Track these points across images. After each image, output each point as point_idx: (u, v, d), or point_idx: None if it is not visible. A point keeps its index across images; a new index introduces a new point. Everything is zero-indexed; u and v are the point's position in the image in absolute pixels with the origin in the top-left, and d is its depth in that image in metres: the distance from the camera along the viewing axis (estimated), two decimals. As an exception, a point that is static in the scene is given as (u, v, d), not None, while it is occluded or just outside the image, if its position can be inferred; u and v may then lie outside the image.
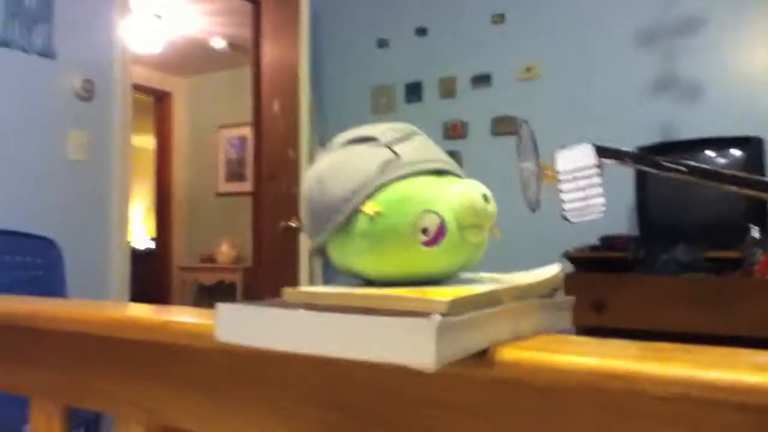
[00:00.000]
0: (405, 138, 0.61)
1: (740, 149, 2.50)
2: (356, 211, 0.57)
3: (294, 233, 3.30)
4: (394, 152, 0.59)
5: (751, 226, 2.21)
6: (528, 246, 2.83)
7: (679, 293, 2.10)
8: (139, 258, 5.42)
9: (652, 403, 0.45)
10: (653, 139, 2.85)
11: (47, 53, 2.69)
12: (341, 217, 0.57)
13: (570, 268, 2.62)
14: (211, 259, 5.84)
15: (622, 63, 3.15)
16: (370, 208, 0.55)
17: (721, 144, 2.55)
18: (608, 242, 2.62)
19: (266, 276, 3.38)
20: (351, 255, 0.58)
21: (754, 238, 2.16)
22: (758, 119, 2.76)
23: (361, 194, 0.57)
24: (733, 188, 0.46)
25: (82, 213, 2.81)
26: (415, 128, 0.63)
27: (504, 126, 3.43)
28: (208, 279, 5.73)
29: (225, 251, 5.71)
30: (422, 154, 0.60)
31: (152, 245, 6.55)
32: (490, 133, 3.49)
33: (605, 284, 2.23)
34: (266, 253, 3.55)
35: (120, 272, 2.93)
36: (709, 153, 2.54)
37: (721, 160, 2.44)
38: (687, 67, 2.99)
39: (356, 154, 0.60)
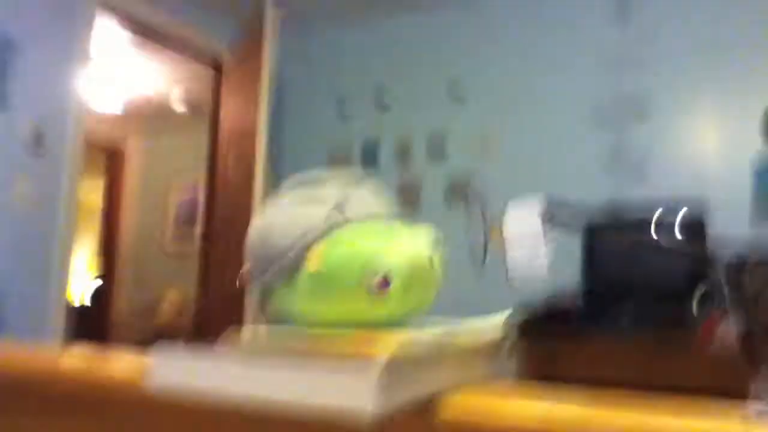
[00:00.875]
0: (352, 188, 0.60)
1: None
2: (300, 265, 0.55)
3: (242, 292, 3.23)
4: (340, 204, 0.58)
5: (698, 288, 2.24)
6: (479, 298, 2.82)
7: (628, 348, 2.12)
8: (79, 310, 5.25)
9: (602, 453, 0.44)
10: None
11: (-2, 100, 2.64)
12: (284, 269, 0.55)
13: (520, 321, 2.60)
14: (155, 312, 5.71)
15: (575, 139, 3.24)
16: (313, 265, 0.54)
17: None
18: (558, 297, 2.62)
19: (212, 331, 3.28)
20: (295, 309, 0.56)
21: (701, 296, 2.19)
22: (703, 194, 2.85)
23: (304, 247, 0.55)
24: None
25: (23, 263, 2.71)
26: (363, 177, 0.62)
27: (457, 193, 3.47)
28: (150, 333, 5.57)
29: (169, 307, 5.60)
30: (370, 207, 0.59)
31: (94, 298, 6.36)
32: (444, 198, 3.52)
33: (554, 338, 2.23)
34: (213, 311, 3.47)
35: (57, 324, 2.82)
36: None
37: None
38: (635, 145, 3.09)
39: (301, 205, 0.58)
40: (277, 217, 0.59)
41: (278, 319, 0.59)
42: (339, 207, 0.57)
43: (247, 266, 0.61)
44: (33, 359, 0.76)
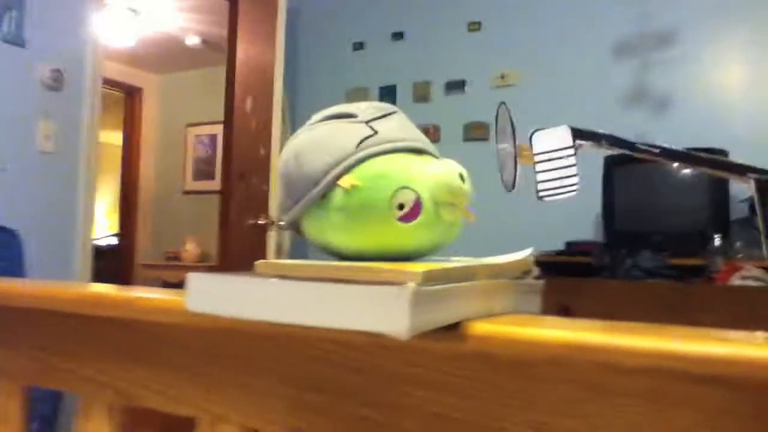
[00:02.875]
0: (384, 116, 0.61)
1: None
2: (333, 185, 0.57)
3: (262, 231, 3.28)
4: (373, 129, 0.59)
5: (714, 234, 2.25)
6: (495, 251, 2.85)
7: (642, 298, 2.13)
8: (101, 254, 5.35)
9: (621, 376, 0.46)
10: (622, 149, 2.89)
11: (16, 41, 2.64)
12: (318, 190, 0.57)
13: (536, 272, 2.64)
14: (175, 257, 5.77)
15: (596, 74, 3.19)
16: (347, 182, 0.55)
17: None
18: (574, 247, 2.65)
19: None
20: (327, 230, 0.58)
21: (716, 246, 2.20)
22: (725, 132, 2.82)
23: (338, 168, 0.57)
24: (704, 169, 0.47)
25: (47, 205, 2.75)
26: (394, 107, 0.63)
27: (476, 132, 3.45)
28: (173, 277, 5.65)
29: (190, 249, 5.65)
30: (401, 133, 0.60)
31: (115, 241, 6.46)
32: (463, 138, 3.51)
33: (570, 288, 2.26)
34: (233, 252, 3.52)
35: (82, 267, 2.88)
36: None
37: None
38: (659, 79, 3.05)
39: (335, 129, 0.60)
40: (311, 144, 0.60)
41: (312, 245, 0.61)
42: (371, 136, 0.59)
43: (278, 192, 0.63)
44: (70, 291, 0.80)
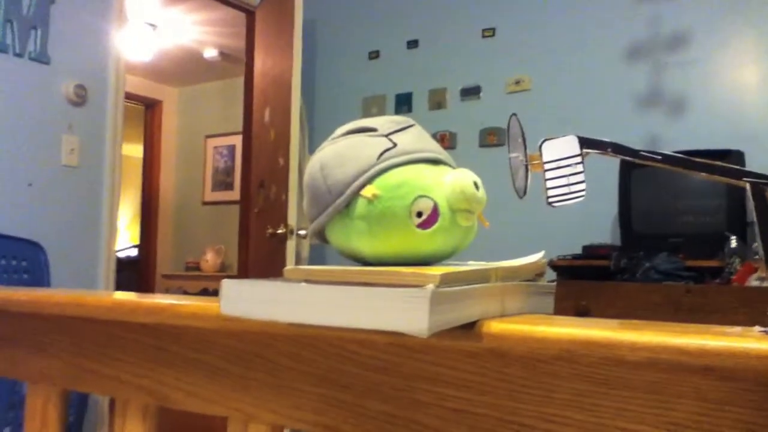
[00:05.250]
0: (402, 129, 0.65)
1: (721, 162, 2.56)
2: (356, 195, 0.61)
3: (281, 240, 3.32)
4: (393, 142, 0.63)
5: (730, 236, 2.27)
6: (512, 255, 2.87)
7: (659, 301, 2.15)
8: (123, 265, 5.43)
9: (626, 370, 0.49)
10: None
11: (41, 59, 2.71)
12: (342, 200, 0.61)
13: (553, 276, 2.67)
14: (196, 267, 5.84)
15: (609, 78, 3.21)
16: (369, 192, 0.59)
17: (703, 156, 2.60)
18: (591, 251, 2.67)
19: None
20: (350, 237, 0.62)
21: (732, 247, 2.22)
22: (741, 133, 2.83)
23: (361, 179, 0.61)
24: (703, 175, 0.50)
25: (71, 218, 2.82)
26: (411, 121, 0.67)
27: (492, 137, 3.48)
28: (193, 287, 5.73)
29: (210, 259, 5.72)
30: (418, 145, 0.64)
31: (136, 252, 6.54)
32: (479, 144, 3.54)
33: (588, 292, 2.28)
34: (253, 261, 3.57)
35: (106, 278, 2.94)
36: (691, 166, 2.60)
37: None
38: (673, 82, 3.06)
39: (357, 143, 0.64)
40: (335, 156, 0.64)
41: (334, 252, 0.65)
42: (391, 148, 0.63)
43: (304, 203, 0.67)
44: (108, 299, 0.84)
